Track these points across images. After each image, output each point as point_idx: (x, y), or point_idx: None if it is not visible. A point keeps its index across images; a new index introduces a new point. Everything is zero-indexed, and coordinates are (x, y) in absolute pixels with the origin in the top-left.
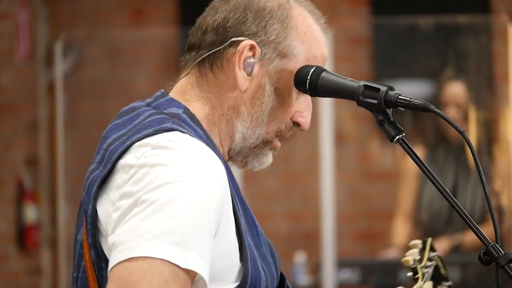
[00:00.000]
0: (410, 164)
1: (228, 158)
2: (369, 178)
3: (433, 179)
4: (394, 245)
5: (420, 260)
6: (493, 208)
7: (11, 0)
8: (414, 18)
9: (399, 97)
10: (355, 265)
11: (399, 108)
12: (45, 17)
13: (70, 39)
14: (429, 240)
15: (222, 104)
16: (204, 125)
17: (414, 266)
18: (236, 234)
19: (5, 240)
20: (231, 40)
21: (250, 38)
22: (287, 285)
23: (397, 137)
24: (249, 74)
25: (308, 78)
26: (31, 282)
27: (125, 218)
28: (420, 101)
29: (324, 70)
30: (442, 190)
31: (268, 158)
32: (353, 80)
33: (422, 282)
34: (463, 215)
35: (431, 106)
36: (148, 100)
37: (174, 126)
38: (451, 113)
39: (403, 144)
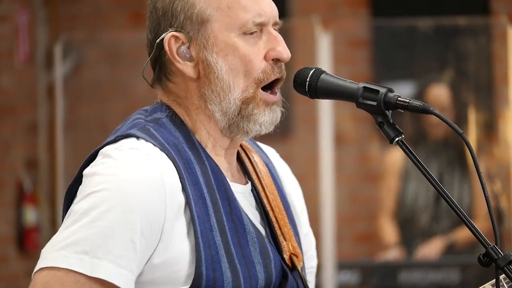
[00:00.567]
0: (391, 163)
1: (231, 140)
2: (369, 180)
3: (432, 181)
4: (388, 245)
5: None
6: (492, 210)
7: (11, 2)
8: (414, 20)
9: (399, 98)
10: (355, 267)
11: (399, 110)
12: (44, 19)
13: (70, 41)
14: None
15: (191, 100)
16: (189, 125)
17: None
18: (194, 235)
19: (5, 242)
20: (156, 44)
21: (167, 32)
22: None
23: (397, 139)
24: (190, 59)
25: (307, 80)
26: None
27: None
28: (419, 103)
29: (324, 72)
30: (442, 192)
31: (265, 116)
32: (352, 82)
33: None
34: (462, 216)
35: (431, 108)
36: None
37: (136, 132)
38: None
39: (403, 146)
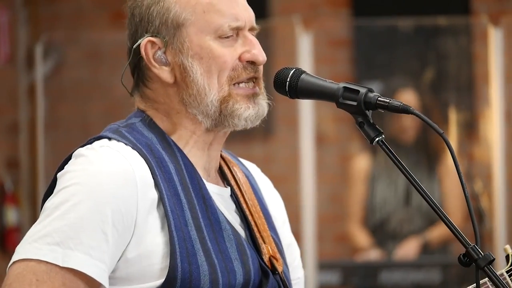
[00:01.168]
0: (357, 171)
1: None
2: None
3: (412, 181)
4: (362, 249)
5: None
6: (472, 210)
7: None
8: (395, 20)
9: (379, 99)
10: (335, 267)
11: (379, 109)
12: (25, 20)
13: (51, 41)
14: None
15: (171, 105)
16: (165, 128)
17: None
18: (168, 229)
19: None
20: (133, 50)
21: (144, 37)
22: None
23: (377, 139)
24: (166, 64)
25: (288, 80)
26: None
27: None
28: (399, 103)
29: (304, 72)
30: (422, 192)
31: (249, 110)
32: (332, 82)
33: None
34: (443, 217)
35: (411, 108)
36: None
37: (108, 134)
38: (407, 121)
39: (383, 146)
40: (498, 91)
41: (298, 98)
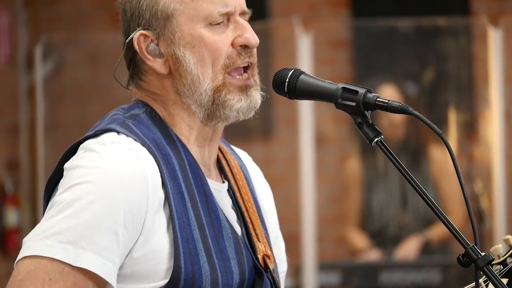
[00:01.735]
0: (350, 175)
1: (213, 129)
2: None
3: (411, 181)
4: (361, 251)
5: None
6: (471, 210)
7: None
8: (394, 20)
9: (378, 99)
10: (335, 268)
11: (378, 110)
12: (25, 21)
13: (51, 42)
14: None
15: (168, 96)
16: (167, 120)
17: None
18: (173, 230)
19: None
20: (126, 44)
21: (136, 31)
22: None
23: (376, 139)
24: (160, 56)
25: (286, 81)
26: None
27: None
28: (398, 103)
29: (303, 72)
30: (421, 192)
31: (242, 102)
32: (331, 83)
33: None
34: (442, 217)
35: (410, 109)
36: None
37: (116, 127)
38: (392, 117)
39: (382, 146)
40: (497, 91)
41: (297, 99)
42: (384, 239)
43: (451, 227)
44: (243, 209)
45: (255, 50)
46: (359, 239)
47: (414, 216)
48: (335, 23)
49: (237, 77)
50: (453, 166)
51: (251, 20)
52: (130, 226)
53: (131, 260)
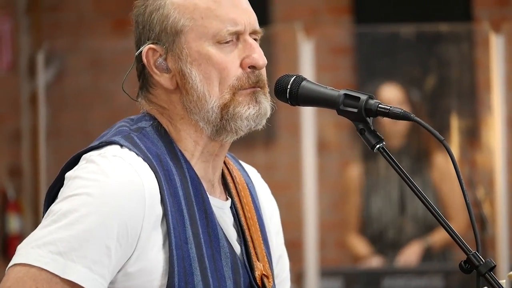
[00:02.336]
0: (350, 181)
1: (220, 145)
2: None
3: (413, 188)
4: (363, 257)
5: None
6: (473, 216)
7: None
8: (396, 27)
9: (379, 105)
10: (338, 274)
11: (380, 116)
12: (27, 27)
13: (52, 49)
14: None
15: (175, 111)
16: (173, 135)
17: None
18: (169, 247)
19: None
20: (136, 58)
21: (145, 44)
22: None
23: (378, 145)
24: (167, 71)
25: (288, 87)
26: None
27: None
28: (400, 110)
29: (305, 79)
30: (423, 199)
31: (250, 110)
32: (333, 89)
33: None
34: (444, 224)
35: (411, 115)
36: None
37: (120, 140)
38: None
39: (384, 152)
40: (500, 97)
41: (299, 105)
42: (385, 244)
43: (452, 233)
44: (245, 227)
45: (264, 71)
46: (360, 246)
47: (413, 221)
48: (337, 29)
49: (243, 91)
50: (455, 172)
51: None
52: (123, 241)
53: (125, 275)
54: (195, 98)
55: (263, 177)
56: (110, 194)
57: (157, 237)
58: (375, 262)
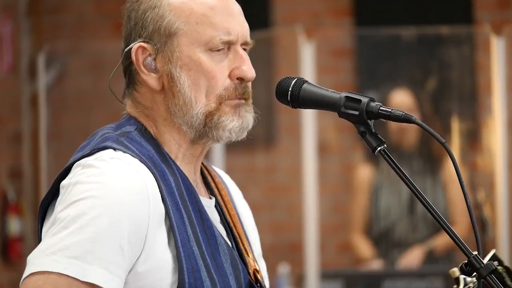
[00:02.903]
0: (360, 180)
1: (202, 148)
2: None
3: (414, 190)
4: (365, 259)
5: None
6: (474, 219)
7: None
8: (397, 29)
9: (381, 108)
10: (338, 276)
11: (381, 119)
12: (28, 29)
13: (53, 51)
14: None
15: (158, 112)
16: (158, 138)
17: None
18: (175, 245)
19: None
20: (125, 54)
21: (136, 42)
22: None
23: (379, 148)
24: (155, 71)
25: (290, 90)
26: None
27: (43, 238)
28: (401, 112)
29: (306, 81)
30: (424, 202)
31: (234, 122)
32: (334, 92)
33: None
34: (445, 226)
35: (413, 117)
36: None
37: (112, 144)
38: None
39: (385, 155)
40: (500, 100)
41: (300, 108)
42: (390, 244)
43: (454, 236)
44: (231, 224)
45: (250, 84)
46: (364, 247)
47: (421, 222)
48: (338, 31)
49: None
50: (456, 174)
51: (254, 29)
52: (133, 241)
53: (135, 275)
54: (181, 102)
55: (264, 180)
56: (117, 195)
57: (162, 235)
58: (375, 264)
